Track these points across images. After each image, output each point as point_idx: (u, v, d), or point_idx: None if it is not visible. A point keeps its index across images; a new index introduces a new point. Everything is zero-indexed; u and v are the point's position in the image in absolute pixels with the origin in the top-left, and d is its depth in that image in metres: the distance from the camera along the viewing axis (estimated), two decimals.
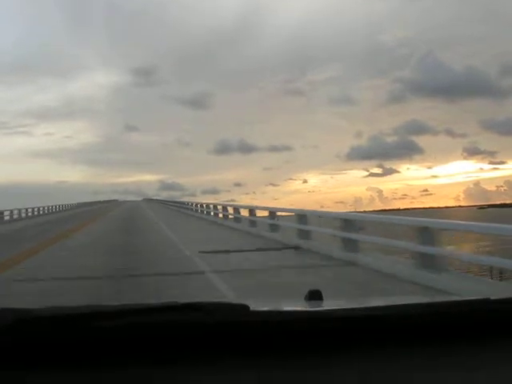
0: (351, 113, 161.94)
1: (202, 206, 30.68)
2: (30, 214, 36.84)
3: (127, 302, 1.21)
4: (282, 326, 1.14)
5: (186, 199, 48.38)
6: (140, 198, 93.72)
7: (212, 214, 26.97)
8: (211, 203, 28.52)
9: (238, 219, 20.39)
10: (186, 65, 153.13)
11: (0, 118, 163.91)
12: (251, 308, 1.16)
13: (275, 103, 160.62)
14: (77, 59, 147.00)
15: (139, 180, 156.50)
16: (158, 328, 1.09)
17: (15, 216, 33.63)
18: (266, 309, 1.28)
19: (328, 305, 1.48)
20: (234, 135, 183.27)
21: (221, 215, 24.26)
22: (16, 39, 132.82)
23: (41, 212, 40.29)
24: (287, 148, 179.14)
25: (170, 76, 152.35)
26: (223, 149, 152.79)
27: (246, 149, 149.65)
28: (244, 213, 19.47)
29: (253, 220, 17.68)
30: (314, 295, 1.49)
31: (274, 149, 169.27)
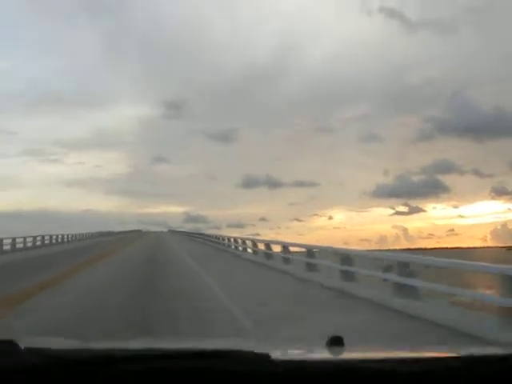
0: (378, 151, 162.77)
1: (235, 240, 26.69)
2: (38, 242, 33.95)
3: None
4: (304, 376, 1.11)
5: (210, 232, 46.93)
6: (165, 229, 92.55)
7: (249, 251, 22.94)
8: (249, 238, 24.68)
9: (287, 260, 16.60)
10: (216, 100, 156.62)
11: (34, 145, 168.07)
12: (272, 356, 1.14)
13: (302, 140, 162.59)
14: (110, 91, 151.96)
15: (165, 211, 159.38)
16: (182, 374, 1.09)
17: (29, 244, 31.42)
18: (288, 358, 1.33)
19: (351, 352, 1.43)
20: (260, 170, 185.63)
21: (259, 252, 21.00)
22: (52, 70, 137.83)
23: (53, 241, 37.49)
24: (313, 184, 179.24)
25: (199, 110, 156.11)
26: (249, 183, 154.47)
27: (272, 184, 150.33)
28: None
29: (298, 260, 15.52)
30: (336, 341, 1.42)
31: (300, 184, 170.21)
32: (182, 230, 73.23)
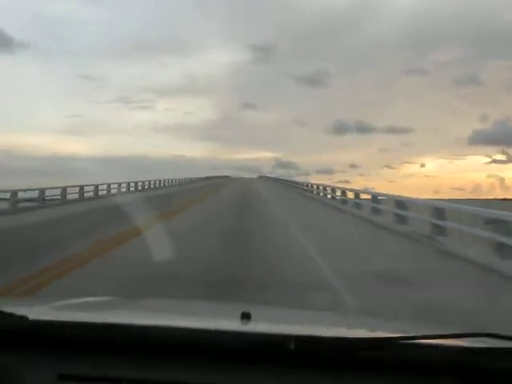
0: (476, 95, 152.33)
1: (317, 187, 30.03)
2: (132, 188, 34.01)
3: None
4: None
5: (300, 178, 46.86)
6: (255, 176, 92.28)
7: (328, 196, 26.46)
8: (328, 185, 27.52)
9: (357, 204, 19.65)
10: (304, 43, 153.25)
11: (124, 93, 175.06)
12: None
13: (395, 84, 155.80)
14: (198, 37, 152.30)
15: (255, 157, 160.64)
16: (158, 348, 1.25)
17: (132, 188, 33.13)
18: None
19: (257, 326, 1.48)
20: (350, 115, 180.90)
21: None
22: (139, 17, 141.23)
23: (146, 187, 37.53)
24: (405, 130, 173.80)
25: (287, 54, 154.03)
26: (339, 129, 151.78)
27: (363, 129, 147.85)
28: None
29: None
30: (247, 316, 1.45)
31: (391, 130, 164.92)
32: (272, 176, 71.27)
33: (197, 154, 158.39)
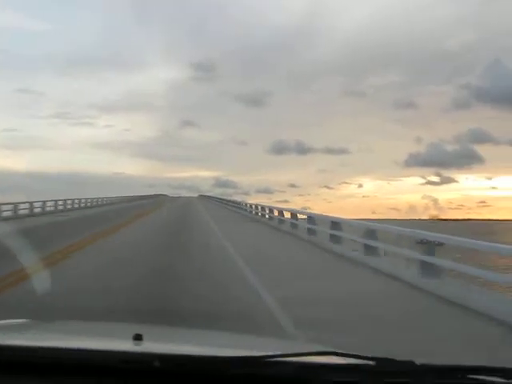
0: (412, 118, 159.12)
1: (255, 207, 29.28)
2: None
3: None
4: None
5: (238, 197, 46.66)
6: (195, 194, 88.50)
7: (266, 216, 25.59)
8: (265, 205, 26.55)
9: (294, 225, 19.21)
10: (247, 63, 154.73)
11: (64, 108, 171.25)
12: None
13: (334, 106, 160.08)
14: (140, 54, 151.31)
15: (194, 176, 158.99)
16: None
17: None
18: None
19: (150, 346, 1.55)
20: (290, 136, 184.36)
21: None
22: (81, 32, 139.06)
23: (69, 206, 33.81)
24: (344, 151, 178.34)
25: (229, 73, 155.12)
26: (279, 149, 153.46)
27: (302, 150, 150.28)
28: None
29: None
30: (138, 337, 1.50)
31: (330, 151, 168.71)
32: (211, 194, 69.93)
33: (136, 171, 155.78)
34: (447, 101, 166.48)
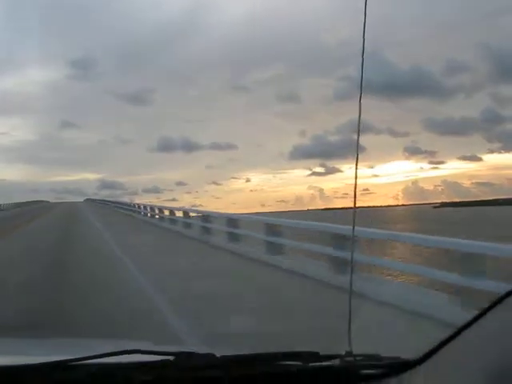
0: (295, 112, 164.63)
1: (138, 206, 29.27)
2: None
3: None
4: None
5: (126, 198, 43.91)
6: (81, 199, 78.34)
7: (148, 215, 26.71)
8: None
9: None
10: (127, 59, 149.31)
11: None
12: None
13: (218, 102, 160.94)
14: (12, 53, 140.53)
15: (78, 179, 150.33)
16: None
17: None
18: None
19: None
20: (176, 133, 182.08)
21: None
22: None
23: None
24: (230, 146, 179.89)
25: (109, 70, 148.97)
26: (165, 147, 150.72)
27: (189, 147, 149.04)
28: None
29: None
30: None
31: (217, 147, 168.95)
32: (97, 197, 63.63)
33: (17, 177, 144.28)
34: (328, 93, 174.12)
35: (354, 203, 1.74)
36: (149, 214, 26.82)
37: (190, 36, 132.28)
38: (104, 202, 49.46)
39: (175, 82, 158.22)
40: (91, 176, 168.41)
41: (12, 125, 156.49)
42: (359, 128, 1.71)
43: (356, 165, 1.69)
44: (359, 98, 1.67)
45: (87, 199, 71.63)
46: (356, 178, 1.69)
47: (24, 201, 65.97)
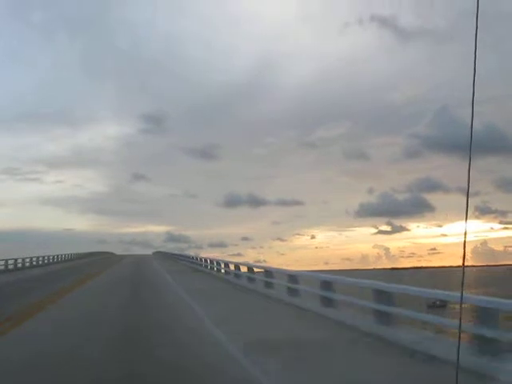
0: (362, 169, 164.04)
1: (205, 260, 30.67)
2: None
3: None
4: None
5: (192, 252, 44.11)
6: (149, 251, 78.48)
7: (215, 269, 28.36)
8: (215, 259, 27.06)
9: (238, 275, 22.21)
10: (198, 115, 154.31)
11: (11, 164, 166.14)
12: None
13: (286, 159, 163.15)
14: (87, 109, 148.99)
15: (146, 231, 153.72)
16: None
17: None
18: None
19: None
20: (243, 188, 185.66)
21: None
22: (28, 87, 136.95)
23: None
24: (297, 203, 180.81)
25: (179, 127, 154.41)
26: (232, 202, 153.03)
27: (255, 202, 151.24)
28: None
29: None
30: None
31: (283, 203, 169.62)
32: (164, 250, 66.10)
33: (86, 227, 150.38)
34: (396, 151, 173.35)
35: (463, 262, 1.51)
36: (222, 271, 25.76)
37: (261, 95, 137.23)
38: (175, 257, 48.46)
39: (243, 139, 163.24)
40: (158, 228, 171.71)
41: (86, 177, 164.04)
42: (471, 146, 1.61)
43: (466, 213, 1.45)
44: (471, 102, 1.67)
45: (157, 252, 71.74)
46: (465, 233, 1.47)
47: (85, 252, 62.73)
